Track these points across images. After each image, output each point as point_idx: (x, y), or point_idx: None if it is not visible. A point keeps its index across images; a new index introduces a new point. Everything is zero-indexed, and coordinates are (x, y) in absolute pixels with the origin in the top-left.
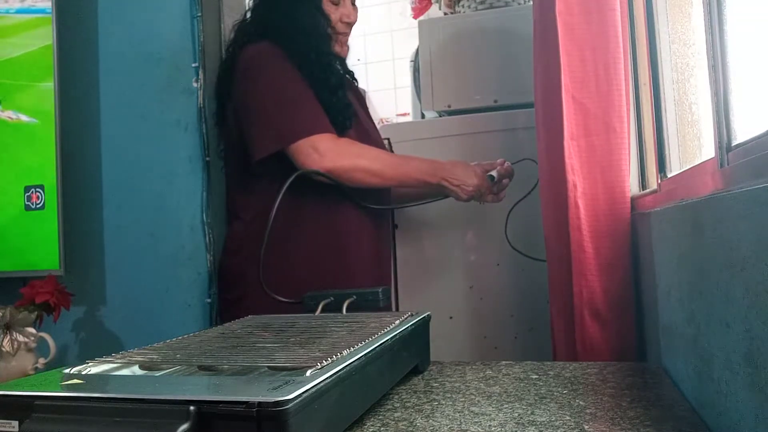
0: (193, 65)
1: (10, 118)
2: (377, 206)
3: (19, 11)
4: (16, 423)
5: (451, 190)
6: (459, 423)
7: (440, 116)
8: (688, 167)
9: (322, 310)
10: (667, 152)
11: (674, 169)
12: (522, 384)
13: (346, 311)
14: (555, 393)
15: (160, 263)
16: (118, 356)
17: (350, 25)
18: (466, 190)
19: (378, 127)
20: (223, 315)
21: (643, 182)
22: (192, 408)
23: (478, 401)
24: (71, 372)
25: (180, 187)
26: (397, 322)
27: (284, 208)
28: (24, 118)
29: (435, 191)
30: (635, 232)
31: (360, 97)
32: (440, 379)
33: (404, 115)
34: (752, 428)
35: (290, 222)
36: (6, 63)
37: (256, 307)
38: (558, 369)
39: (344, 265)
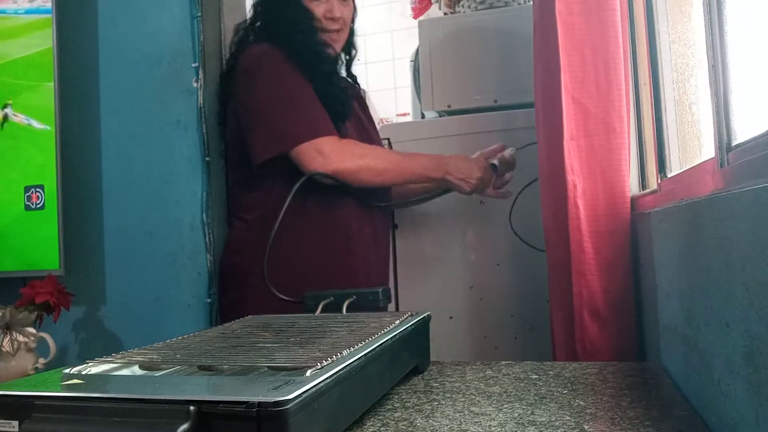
0: (193, 65)
1: (21, 122)
2: (381, 203)
3: (28, 11)
4: (16, 423)
5: (456, 184)
6: (459, 423)
7: (440, 116)
8: (688, 167)
9: (322, 310)
10: (667, 152)
11: (674, 169)
12: (522, 384)
13: (346, 311)
14: (555, 393)
15: (160, 263)
16: (118, 356)
17: (335, 20)
18: (470, 183)
19: (378, 127)
20: (223, 315)
21: (643, 182)
22: (192, 408)
23: (478, 401)
24: (71, 372)
25: (180, 187)
26: (397, 322)
27: (286, 209)
28: (36, 124)
29: (439, 186)
30: (635, 232)
31: (361, 99)
32: (440, 379)
33: (404, 115)
34: (752, 428)
35: (292, 222)
36: (15, 62)
37: (257, 307)
38: (558, 369)
39: (345, 265)
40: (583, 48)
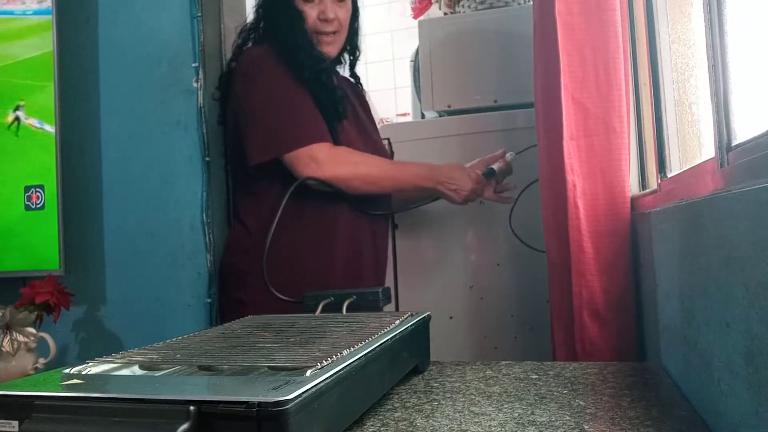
0: (193, 65)
1: (33, 126)
2: (376, 212)
3: (36, 12)
4: (16, 423)
5: (447, 195)
6: (459, 423)
7: (440, 116)
8: (688, 167)
9: (322, 310)
10: (667, 152)
11: (674, 169)
12: (522, 384)
13: (346, 311)
14: (555, 393)
15: (160, 263)
16: (118, 356)
17: (329, 21)
18: (462, 194)
19: (378, 127)
20: (223, 315)
21: (643, 182)
22: (192, 408)
23: (478, 401)
24: (71, 372)
25: (180, 187)
26: (397, 322)
27: (285, 210)
28: (48, 128)
29: (431, 194)
30: (635, 232)
31: (363, 98)
32: (440, 379)
33: (404, 115)
34: (752, 428)
35: (291, 223)
36: (24, 63)
37: (257, 308)
38: (558, 369)
39: (344, 265)
40: (583, 48)
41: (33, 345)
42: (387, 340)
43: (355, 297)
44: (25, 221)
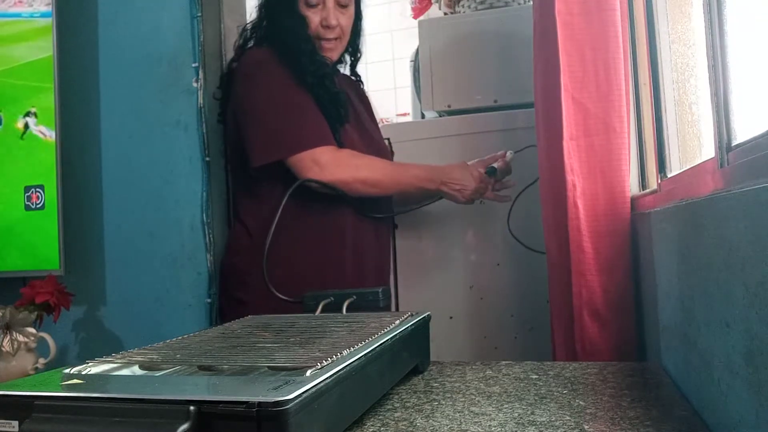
0: (193, 65)
1: (42, 134)
2: (379, 215)
3: (43, 15)
4: (16, 423)
5: (451, 195)
6: (459, 423)
7: (440, 116)
8: (688, 167)
9: (322, 310)
10: (667, 152)
11: (674, 169)
12: (522, 384)
13: (346, 311)
14: (555, 393)
15: (160, 263)
16: (118, 356)
17: (332, 28)
18: (465, 194)
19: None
20: (223, 315)
21: (643, 182)
22: (192, 408)
23: (478, 401)
24: (71, 372)
25: (180, 187)
26: (397, 322)
27: (286, 211)
28: (51, 136)
29: (434, 195)
30: (635, 232)
31: (364, 97)
32: (440, 379)
33: (404, 115)
34: (752, 428)
35: (292, 223)
36: (31, 65)
37: (257, 307)
38: (558, 369)
39: (345, 266)
40: (583, 48)
41: (33, 345)
42: (387, 340)
43: (355, 297)
44: (25, 221)
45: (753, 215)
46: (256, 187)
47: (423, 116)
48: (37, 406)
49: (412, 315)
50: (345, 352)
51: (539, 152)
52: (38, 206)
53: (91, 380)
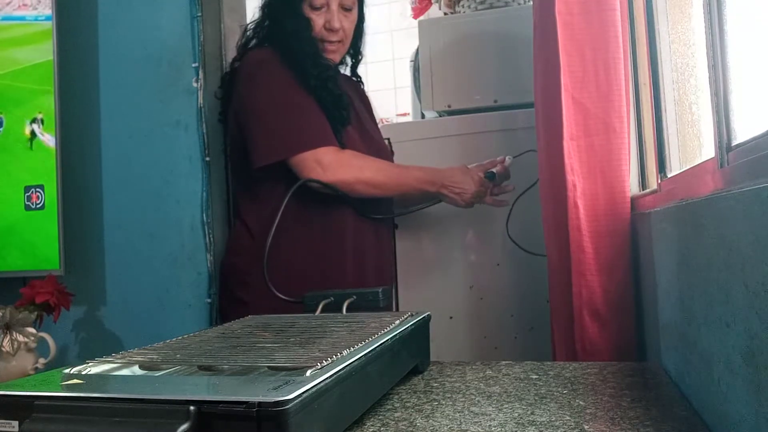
0: (193, 65)
1: (47, 143)
2: (377, 216)
3: (48, 18)
4: (16, 423)
5: (451, 198)
6: (459, 423)
7: (440, 116)
8: (688, 167)
9: (322, 310)
10: (667, 152)
11: (674, 169)
12: (522, 384)
13: (346, 311)
14: (555, 393)
15: (160, 263)
16: (118, 356)
17: (335, 31)
18: (465, 197)
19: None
20: (223, 315)
21: (643, 182)
22: (192, 408)
23: (478, 401)
24: (71, 372)
25: (180, 187)
26: (397, 322)
27: (287, 211)
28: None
29: (434, 197)
30: (635, 232)
31: (365, 97)
32: (440, 379)
33: (404, 115)
34: (752, 428)
35: (292, 224)
36: (34, 68)
37: (257, 307)
38: (558, 369)
39: (346, 266)
40: (583, 48)
41: (33, 345)
42: (387, 340)
43: (355, 297)
44: (25, 221)
45: (753, 215)
46: (257, 187)
47: (423, 116)
48: (37, 406)
49: (412, 315)
50: (345, 352)
51: (539, 152)
52: (38, 206)
53: (91, 380)
